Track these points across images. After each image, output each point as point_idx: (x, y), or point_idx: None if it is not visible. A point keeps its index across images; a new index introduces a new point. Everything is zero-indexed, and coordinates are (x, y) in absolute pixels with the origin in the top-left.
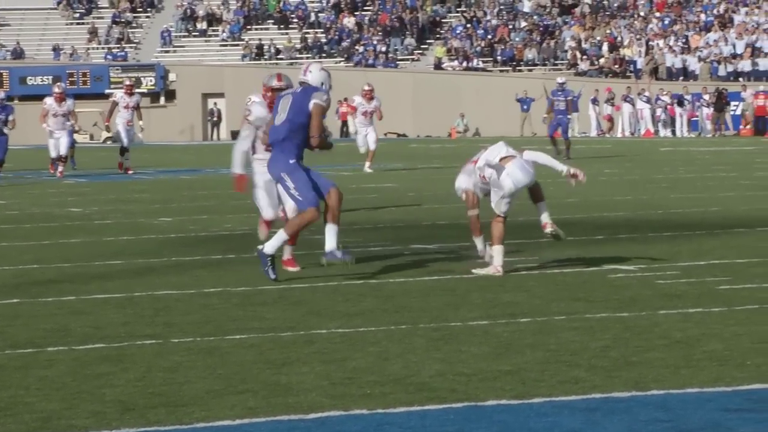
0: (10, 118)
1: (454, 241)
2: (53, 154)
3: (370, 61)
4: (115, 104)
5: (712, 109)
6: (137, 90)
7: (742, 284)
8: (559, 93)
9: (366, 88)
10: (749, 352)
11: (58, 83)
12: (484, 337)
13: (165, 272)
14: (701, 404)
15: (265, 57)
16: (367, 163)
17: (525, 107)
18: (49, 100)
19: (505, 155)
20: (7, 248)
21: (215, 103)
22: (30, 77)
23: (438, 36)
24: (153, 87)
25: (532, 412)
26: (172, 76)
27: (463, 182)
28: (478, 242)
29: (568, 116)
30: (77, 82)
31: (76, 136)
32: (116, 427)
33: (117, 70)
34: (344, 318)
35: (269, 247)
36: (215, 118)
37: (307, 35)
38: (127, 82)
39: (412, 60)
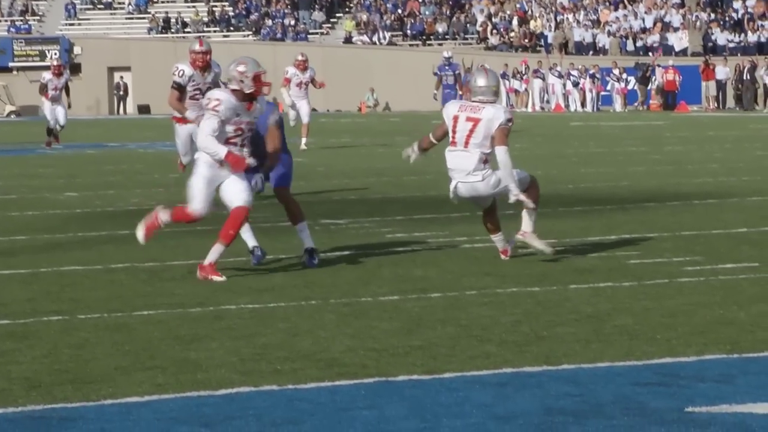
0: None
1: (364, 216)
2: None
3: (279, 35)
4: (44, 86)
5: (636, 83)
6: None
7: (652, 258)
8: (447, 67)
9: (299, 58)
10: (659, 326)
11: None
12: (394, 312)
13: (70, 248)
14: (612, 378)
15: (172, 30)
16: (303, 139)
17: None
18: None
19: None
20: None
21: (122, 77)
22: None
23: (347, 10)
24: (59, 61)
25: (443, 387)
26: (77, 50)
27: None
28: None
29: (459, 92)
30: None
31: None
32: (22, 404)
33: (21, 42)
34: (254, 294)
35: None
36: (122, 92)
37: (214, 8)
38: (55, 63)
39: (322, 34)
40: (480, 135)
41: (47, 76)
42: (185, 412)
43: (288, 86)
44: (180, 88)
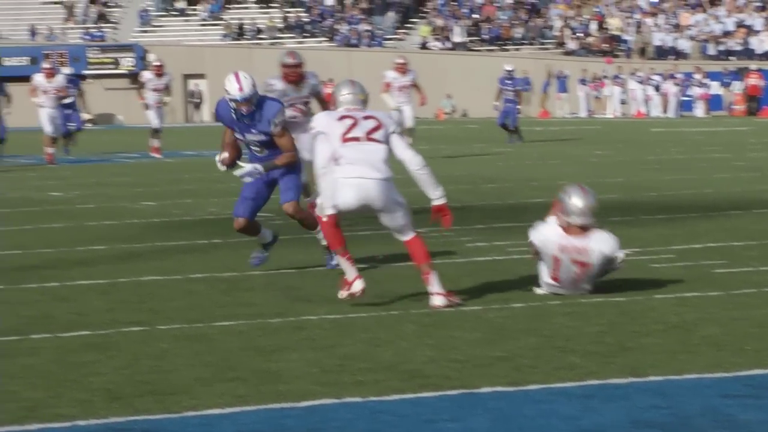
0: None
1: None
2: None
3: (353, 41)
4: (143, 84)
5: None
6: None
7: (738, 267)
8: (508, 81)
9: (398, 61)
10: (747, 337)
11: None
12: (476, 323)
13: (149, 257)
14: (699, 390)
15: (246, 37)
16: (409, 140)
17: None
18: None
19: None
20: None
21: (196, 84)
22: (6, 58)
23: (423, 15)
24: (132, 68)
25: (528, 399)
26: (151, 57)
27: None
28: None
29: (518, 106)
30: (54, 63)
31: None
32: (104, 416)
33: (95, 50)
34: (334, 304)
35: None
36: (197, 100)
37: (288, 14)
38: (156, 63)
39: (397, 39)
40: None
41: (147, 74)
42: (267, 424)
43: (389, 90)
44: None
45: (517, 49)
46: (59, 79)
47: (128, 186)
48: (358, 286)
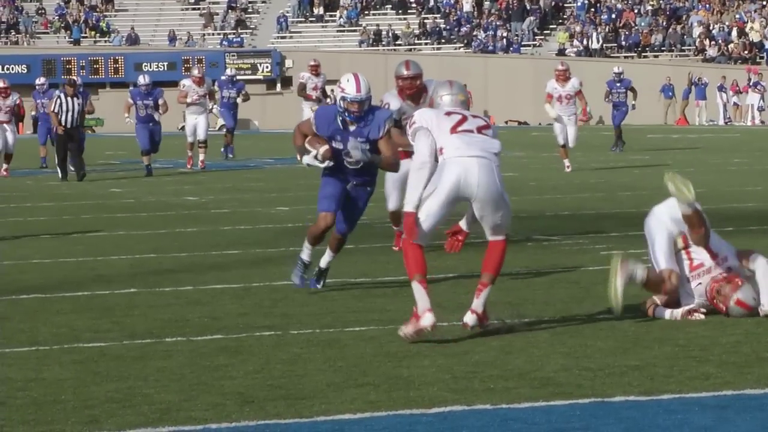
0: (160, 101)
1: (577, 232)
2: (190, 138)
3: (490, 47)
4: (303, 85)
5: None
6: (254, 76)
7: None
8: (617, 83)
9: (560, 68)
10: None
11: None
12: (610, 331)
13: (282, 262)
14: None
15: (383, 43)
16: (566, 161)
17: (669, 94)
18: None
19: None
20: (124, 237)
21: (332, 90)
22: (145, 63)
23: (561, 21)
24: (269, 74)
25: (661, 409)
26: (288, 63)
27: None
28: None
29: (631, 104)
30: (192, 68)
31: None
32: (236, 419)
33: (233, 56)
34: (465, 310)
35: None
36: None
37: (426, 20)
38: (312, 63)
39: (534, 46)
40: None
41: (306, 74)
42: (397, 429)
43: (551, 101)
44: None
45: (655, 56)
46: (208, 84)
47: (262, 191)
48: (428, 320)
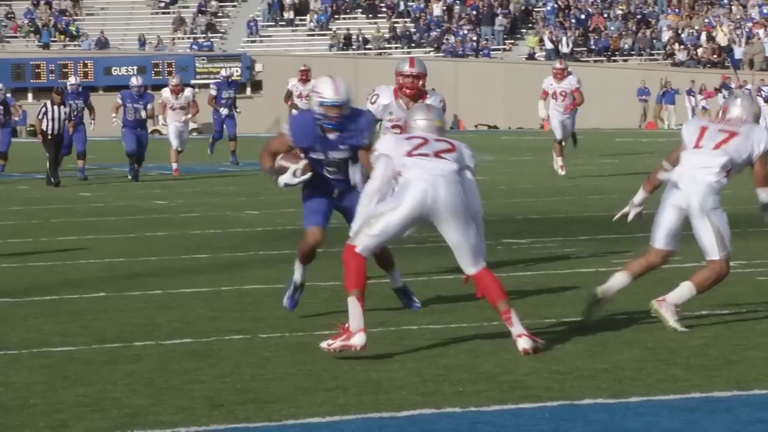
0: (149, 107)
1: (548, 236)
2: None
3: (460, 52)
4: (290, 93)
5: None
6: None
7: None
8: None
9: (558, 66)
10: None
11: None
12: (579, 334)
13: (252, 266)
14: None
15: (353, 47)
16: (559, 160)
17: (644, 97)
18: (165, 92)
19: None
20: (94, 241)
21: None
22: (115, 67)
23: (531, 25)
24: (239, 77)
25: (630, 412)
26: (258, 67)
27: None
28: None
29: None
30: (162, 72)
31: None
32: (205, 423)
33: (203, 60)
34: (435, 314)
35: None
36: (303, 108)
37: (396, 25)
38: (302, 68)
39: (504, 50)
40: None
41: (292, 81)
42: None
43: (545, 98)
44: None
45: (625, 60)
46: (187, 94)
47: (232, 195)
48: (360, 340)
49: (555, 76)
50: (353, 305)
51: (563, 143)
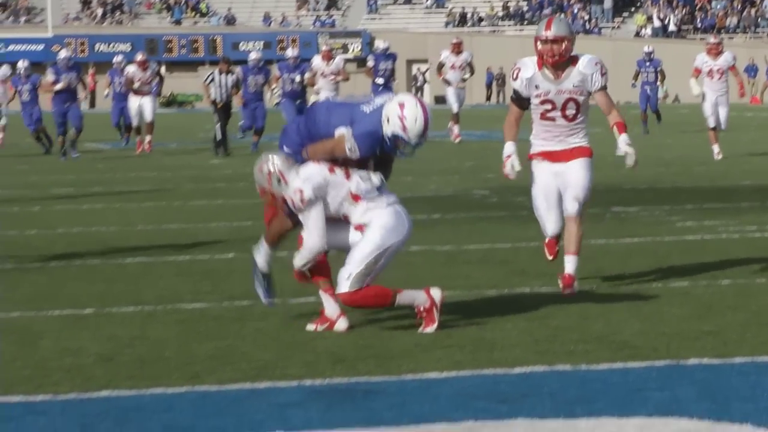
0: (306, 75)
1: (655, 204)
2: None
3: None
4: (442, 65)
5: None
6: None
7: None
8: (647, 63)
9: (712, 40)
10: None
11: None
12: (684, 298)
13: None
14: None
15: (468, 24)
16: (715, 147)
17: (752, 74)
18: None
19: None
20: (222, 206)
21: (419, 69)
22: (242, 42)
23: (638, 4)
24: (359, 53)
25: (734, 372)
26: (377, 43)
27: None
28: None
29: (658, 85)
30: (287, 48)
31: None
32: (328, 376)
33: (325, 36)
34: (547, 277)
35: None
36: (419, 84)
37: (509, 3)
38: (454, 41)
39: (613, 28)
40: None
41: (445, 53)
42: (482, 388)
43: (697, 76)
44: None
45: (730, 38)
46: (337, 62)
47: None
48: (343, 324)
49: (709, 52)
50: (325, 296)
51: (717, 129)
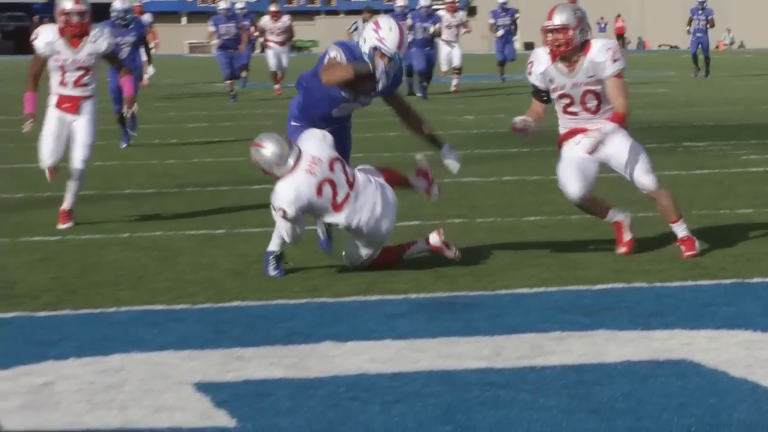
0: (437, 26)
1: (722, 139)
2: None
3: None
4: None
5: None
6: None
7: None
8: (700, 12)
9: None
10: None
11: None
12: (749, 223)
13: (469, 162)
14: None
15: None
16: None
17: None
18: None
19: None
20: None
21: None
22: None
23: None
24: (457, 2)
25: None
26: None
27: None
28: None
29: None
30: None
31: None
32: (431, 291)
33: None
34: (626, 205)
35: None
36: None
37: None
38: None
39: None
40: None
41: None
42: (567, 302)
43: None
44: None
45: None
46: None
47: (452, 102)
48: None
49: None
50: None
51: None
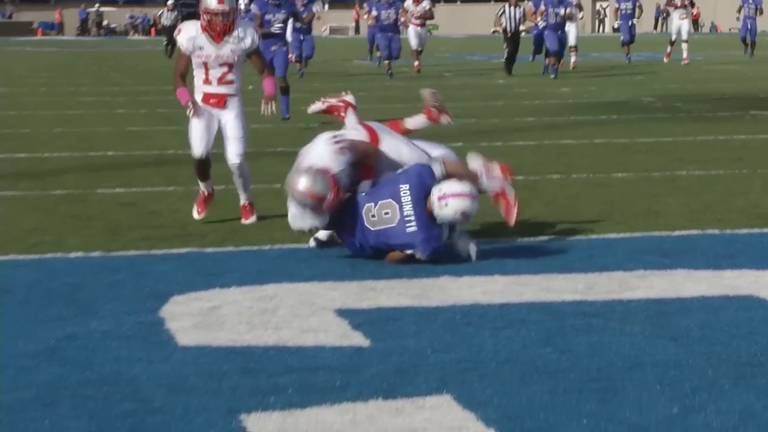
0: (569, 10)
1: None
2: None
3: None
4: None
5: None
6: None
7: None
8: (750, 1)
9: None
10: None
11: None
12: None
13: (565, 128)
14: None
15: None
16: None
17: None
18: None
19: None
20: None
21: (601, 5)
22: None
23: None
24: None
25: None
26: None
27: None
28: None
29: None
30: None
31: None
32: (534, 235)
33: None
34: (700, 163)
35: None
36: (601, 17)
37: None
38: None
39: None
40: None
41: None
42: (650, 246)
43: None
44: None
45: None
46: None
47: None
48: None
49: None
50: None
51: None
